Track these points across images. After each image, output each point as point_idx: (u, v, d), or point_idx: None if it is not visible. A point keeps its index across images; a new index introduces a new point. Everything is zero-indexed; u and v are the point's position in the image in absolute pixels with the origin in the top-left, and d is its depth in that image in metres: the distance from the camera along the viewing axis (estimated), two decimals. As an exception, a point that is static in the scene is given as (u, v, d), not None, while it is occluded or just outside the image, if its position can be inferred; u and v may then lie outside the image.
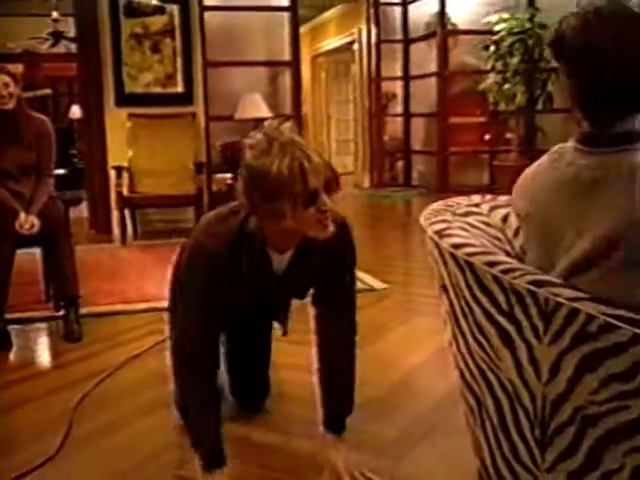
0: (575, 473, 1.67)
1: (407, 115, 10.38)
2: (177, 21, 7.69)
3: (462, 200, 2.19)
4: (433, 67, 9.44)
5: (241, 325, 2.85)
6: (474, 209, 2.14)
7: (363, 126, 11.15)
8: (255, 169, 2.07)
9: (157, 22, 7.62)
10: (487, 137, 8.99)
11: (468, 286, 1.79)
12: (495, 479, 1.95)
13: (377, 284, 5.10)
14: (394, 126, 10.70)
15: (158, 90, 7.67)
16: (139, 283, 5.31)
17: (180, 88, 7.70)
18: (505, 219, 2.16)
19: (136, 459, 2.67)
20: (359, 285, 5.04)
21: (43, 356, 4.11)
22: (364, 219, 8.78)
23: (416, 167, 10.31)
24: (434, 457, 2.59)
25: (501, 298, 1.71)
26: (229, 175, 7.44)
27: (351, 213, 9.06)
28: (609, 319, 1.54)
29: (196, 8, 7.63)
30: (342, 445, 2.48)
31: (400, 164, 10.63)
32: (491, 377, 1.83)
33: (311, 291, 2.60)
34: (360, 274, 5.31)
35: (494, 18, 8.50)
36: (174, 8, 7.65)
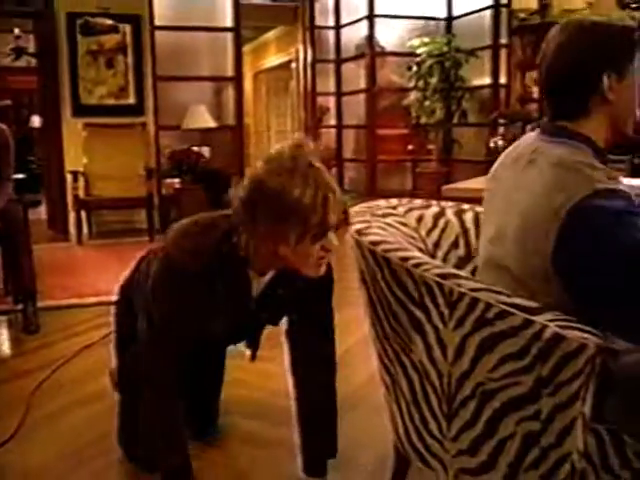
0: (476, 440, 1.71)
1: (339, 127, 10.40)
2: (129, 39, 7.62)
3: (382, 203, 2.22)
4: (362, 84, 9.47)
5: (200, 349, 2.32)
6: (392, 211, 2.17)
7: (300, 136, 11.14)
8: (271, 186, 1.77)
9: (111, 40, 7.54)
10: (410, 147, 9.06)
11: (384, 278, 1.82)
12: (409, 449, 1.99)
13: (310, 279, 5.10)
14: (328, 136, 10.71)
15: (111, 102, 7.59)
16: (93, 279, 5.25)
17: (132, 100, 7.63)
18: (419, 220, 2.20)
19: (90, 438, 2.68)
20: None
21: (3, 346, 4.04)
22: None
23: (347, 173, 10.33)
24: (357, 431, 2.63)
25: (413, 289, 1.74)
26: (177, 180, 7.43)
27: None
28: (504, 307, 1.58)
29: (147, 28, 7.55)
30: None
31: (333, 170, 10.66)
32: (404, 359, 1.87)
33: (284, 320, 2.27)
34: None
35: (416, 42, 8.59)
36: (127, 27, 7.57)
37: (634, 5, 6.58)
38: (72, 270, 5.76)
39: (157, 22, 7.57)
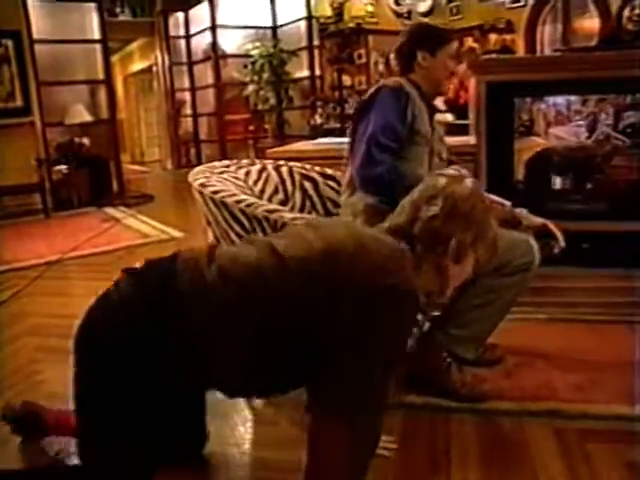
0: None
1: (195, 115, 10.22)
2: (12, 52, 7.06)
3: (217, 164, 2.26)
4: (210, 80, 9.34)
5: None
6: (226, 169, 2.21)
7: (164, 125, 10.84)
8: None
9: (-5, 53, 6.96)
10: (251, 128, 9.01)
11: (224, 219, 1.86)
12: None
13: (177, 234, 5.01)
14: (186, 123, 10.51)
15: (1, 105, 7.03)
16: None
17: (19, 103, 7.09)
18: (247, 174, 2.24)
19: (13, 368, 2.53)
20: (163, 236, 4.95)
21: None
22: (170, 190, 8.67)
23: (204, 152, 10.19)
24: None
25: (247, 223, 1.80)
26: (64, 166, 7.15)
27: (162, 187, 8.89)
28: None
29: (27, 41, 7.03)
30: None
31: (192, 150, 10.47)
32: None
33: None
34: (165, 227, 5.23)
35: (250, 46, 8.56)
36: (9, 42, 7.01)
37: (406, 15, 6.89)
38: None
39: (35, 36, 7.07)
